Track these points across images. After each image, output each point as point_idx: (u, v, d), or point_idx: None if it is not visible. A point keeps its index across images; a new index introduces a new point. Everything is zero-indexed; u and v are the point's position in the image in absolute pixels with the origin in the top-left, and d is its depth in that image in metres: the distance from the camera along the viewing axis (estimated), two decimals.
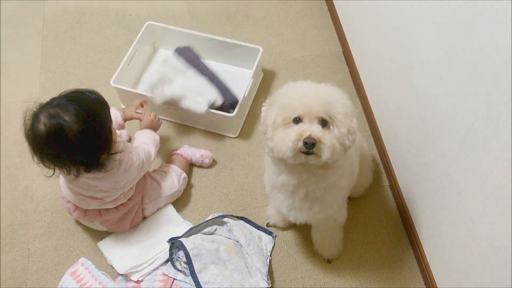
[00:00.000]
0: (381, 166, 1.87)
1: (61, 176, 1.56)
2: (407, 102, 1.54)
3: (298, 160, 1.15)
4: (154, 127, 1.78)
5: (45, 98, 2.04)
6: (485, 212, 1.16)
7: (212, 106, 1.85)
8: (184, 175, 1.78)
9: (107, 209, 1.59)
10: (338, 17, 2.21)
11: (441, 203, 1.40)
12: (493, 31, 1.02)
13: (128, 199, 1.61)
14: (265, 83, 2.11)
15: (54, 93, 1.42)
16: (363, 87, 1.98)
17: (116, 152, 1.46)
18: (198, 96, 1.83)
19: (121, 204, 1.60)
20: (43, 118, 1.29)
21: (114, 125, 1.51)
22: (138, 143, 1.66)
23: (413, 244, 1.67)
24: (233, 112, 1.83)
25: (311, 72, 2.13)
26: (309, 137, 1.09)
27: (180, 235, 1.63)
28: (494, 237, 1.13)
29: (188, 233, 1.64)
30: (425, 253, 1.59)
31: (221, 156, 1.91)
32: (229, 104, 1.89)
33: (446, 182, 1.34)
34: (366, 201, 1.78)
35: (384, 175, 1.85)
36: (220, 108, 1.87)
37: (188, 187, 1.83)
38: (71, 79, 2.15)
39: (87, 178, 1.46)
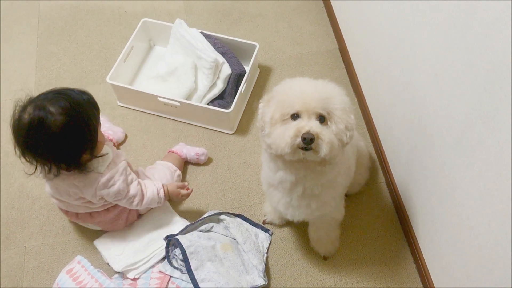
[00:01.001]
0: (377, 163, 1.87)
1: (46, 185, 1.54)
2: (403, 99, 1.55)
3: (296, 156, 1.15)
4: (171, 196, 1.62)
5: None
6: (481, 209, 1.16)
7: (220, 76, 1.94)
8: (178, 172, 1.77)
9: (98, 212, 1.58)
10: (334, 14, 2.20)
11: (437, 200, 1.40)
12: (489, 28, 1.02)
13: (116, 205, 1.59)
14: (262, 79, 2.11)
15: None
16: (359, 84, 1.98)
17: (101, 155, 1.44)
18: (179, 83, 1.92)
19: (112, 206, 1.58)
20: (29, 109, 1.30)
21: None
22: (143, 181, 1.58)
23: (409, 240, 1.67)
24: (231, 105, 1.85)
25: (308, 69, 2.13)
26: (308, 132, 1.09)
27: (176, 232, 1.63)
28: (490, 234, 1.13)
29: (184, 231, 1.64)
30: (421, 249, 1.59)
31: (217, 154, 1.90)
32: (237, 75, 1.93)
33: (442, 179, 1.34)
34: (362, 198, 1.78)
35: (380, 172, 1.85)
36: (228, 79, 1.95)
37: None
38: (67, 77, 2.14)
39: (68, 186, 1.44)
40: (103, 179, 1.44)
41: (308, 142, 1.10)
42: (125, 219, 1.65)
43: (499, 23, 0.97)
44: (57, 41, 2.27)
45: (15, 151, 1.36)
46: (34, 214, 1.79)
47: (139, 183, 1.54)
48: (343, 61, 2.14)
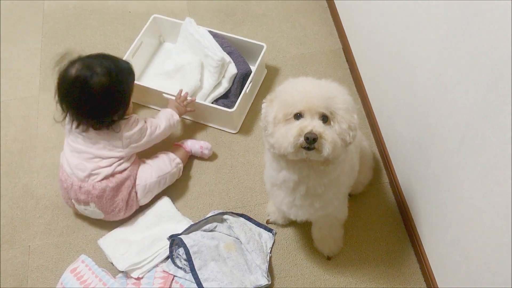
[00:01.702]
0: (381, 163, 1.87)
1: (65, 142, 1.65)
2: (407, 99, 1.54)
3: (299, 155, 1.15)
4: (178, 108, 1.82)
5: (45, 96, 2.05)
6: (484, 208, 1.15)
7: (226, 75, 1.95)
8: (178, 160, 1.78)
9: (100, 180, 1.60)
10: (338, 14, 2.20)
11: (441, 200, 1.40)
12: (493, 27, 1.01)
13: (123, 169, 1.63)
14: (268, 80, 2.11)
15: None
16: (363, 84, 1.98)
17: (128, 118, 1.61)
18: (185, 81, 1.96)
19: (112, 175, 1.61)
20: (77, 65, 1.49)
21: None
22: (153, 117, 1.74)
23: (413, 241, 1.67)
24: (234, 106, 1.85)
25: (311, 69, 2.13)
26: (311, 132, 1.09)
27: (180, 232, 1.63)
28: (494, 234, 1.13)
29: (188, 230, 1.64)
30: (425, 249, 1.59)
31: (221, 153, 1.91)
32: (242, 74, 1.94)
33: (446, 179, 1.34)
34: (366, 198, 1.78)
35: (384, 171, 1.85)
36: (234, 79, 1.95)
37: (188, 184, 1.84)
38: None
39: (95, 134, 1.59)
40: (128, 123, 1.61)
41: (311, 141, 1.10)
42: (124, 200, 1.65)
43: (503, 21, 0.97)
44: (62, 41, 2.28)
45: (55, 96, 1.53)
46: (38, 213, 1.79)
47: (150, 118, 1.73)
48: (347, 61, 2.14)
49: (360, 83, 2.00)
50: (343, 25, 2.15)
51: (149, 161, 1.74)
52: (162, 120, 1.74)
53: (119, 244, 1.66)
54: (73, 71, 1.48)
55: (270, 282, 1.59)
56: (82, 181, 1.61)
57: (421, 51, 1.39)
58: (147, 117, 1.73)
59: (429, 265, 1.57)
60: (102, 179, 1.61)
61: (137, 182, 1.68)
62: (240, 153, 1.91)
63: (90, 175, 1.60)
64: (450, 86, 1.23)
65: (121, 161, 1.63)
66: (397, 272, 1.64)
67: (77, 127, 1.56)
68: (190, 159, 1.88)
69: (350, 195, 1.70)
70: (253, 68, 1.95)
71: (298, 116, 1.14)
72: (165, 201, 1.76)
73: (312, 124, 1.11)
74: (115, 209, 1.66)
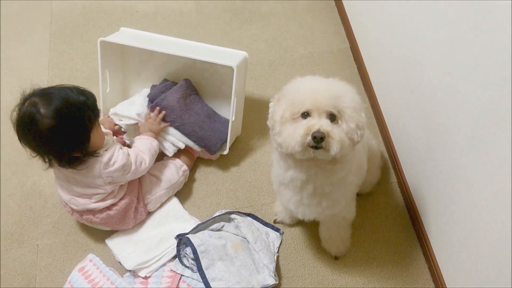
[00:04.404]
0: (389, 162, 1.86)
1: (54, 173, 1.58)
2: (415, 98, 1.54)
3: (306, 155, 1.14)
4: (153, 130, 1.70)
5: None
6: (494, 208, 1.15)
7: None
8: (184, 167, 1.78)
9: (100, 210, 1.58)
10: (345, 13, 2.20)
11: (449, 200, 1.39)
12: (502, 27, 1.01)
13: (120, 199, 1.61)
14: (256, 71, 2.10)
15: None
16: (370, 83, 1.98)
17: (95, 154, 1.47)
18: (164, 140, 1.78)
19: (112, 204, 1.59)
20: (26, 103, 1.35)
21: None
22: (134, 149, 1.62)
23: (421, 240, 1.66)
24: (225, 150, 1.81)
25: (319, 68, 2.13)
26: (318, 131, 1.09)
27: (187, 231, 1.63)
28: (503, 234, 1.12)
29: (195, 230, 1.64)
30: (433, 249, 1.58)
31: (228, 152, 1.90)
32: (216, 148, 1.81)
33: (454, 178, 1.33)
34: (373, 197, 1.78)
35: (392, 171, 1.84)
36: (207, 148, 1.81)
37: (195, 184, 1.84)
38: (79, 76, 2.16)
39: (70, 172, 1.49)
40: (104, 159, 1.48)
41: (319, 140, 1.09)
42: (131, 217, 1.66)
43: (511, 20, 0.96)
44: (70, 40, 2.29)
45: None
46: (46, 212, 1.80)
47: (133, 151, 1.60)
48: (355, 60, 2.14)
49: (368, 82, 1.99)
50: (350, 24, 2.15)
51: (156, 173, 1.72)
52: (146, 153, 1.62)
53: (127, 243, 1.66)
54: (21, 110, 1.35)
55: (277, 282, 1.59)
56: (81, 214, 1.61)
57: (429, 50, 1.38)
58: (131, 149, 1.61)
59: (437, 265, 1.56)
60: (102, 210, 1.59)
61: (146, 196, 1.68)
62: (247, 152, 1.91)
63: (86, 210, 1.59)
64: (459, 86, 1.23)
65: (114, 193, 1.58)
66: (405, 272, 1.63)
67: (43, 161, 1.44)
68: (196, 159, 1.89)
69: (358, 194, 1.70)
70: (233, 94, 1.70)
71: (305, 115, 1.14)
72: (173, 201, 1.76)
73: (320, 123, 1.11)
74: (123, 226, 1.67)
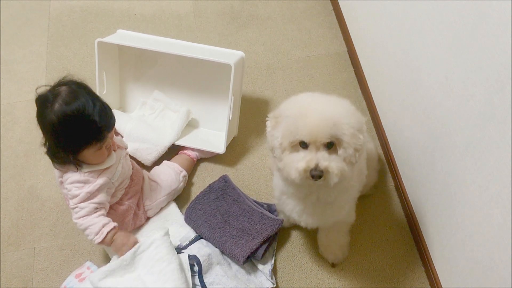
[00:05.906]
0: (386, 166, 1.86)
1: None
2: (413, 102, 1.54)
3: (307, 183, 1.19)
4: (116, 246, 1.50)
5: None
6: (491, 213, 1.15)
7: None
8: (184, 173, 1.77)
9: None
10: (343, 17, 2.20)
11: (447, 203, 1.39)
12: (500, 30, 1.01)
13: (116, 203, 1.59)
14: (253, 74, 2.11)
15: None
16: (368, 87, 1.98)
17: (77, 166, 1.43)
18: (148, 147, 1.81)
19: (110, 207, 1.57)
20: (57, 88, 1.38)
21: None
22: (93, 210, 1.46)
23: (418, 244, 1.66)
24: None
25: (316, 72, 2.13)
26: (316, 169, 1.12)
27: (183, 235, 1.63)
28: (501, 237, 1.12)
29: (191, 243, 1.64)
30: (431, 253, 1.58)
31: (226, 155, 1.90)
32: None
33: (452, 182, 1.34)
34: (371, 201, 1.78)
35: (389, 175, 1.84)
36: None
37: (193, 188, 1.83)
38: (76, 79, 2.15)
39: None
40: (73, 177, 1.43)
41: (317, 178, 1.13)
42: (131, 223, 1.65)
43: (510, 24, 0.97)
44: (67, 43, 2.29)
45: None
46: (43, 215, 1.80)
47: (98, 214, 1.46)
48: (352, 63, 2.14)
49: (365, 85, 1.99)
50: (348, 27, 2.15)
51: (157, 179, 1.71)
52: (89, 224, 1.46)
53: None
54: (51, 89, 1.39)
55: (274, 285, 1.59)
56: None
57: (427, 54, 1.38)
58: (145, 182, 1.64)
59: (434, 269, 1.56)
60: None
61: (146, 203, 1.67)
62: (244, 155, 1.91)
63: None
64: (457, 89, 1.23)
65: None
66: (402, 276, 1.64)
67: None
68: (198, 161, 1.89)
69: None
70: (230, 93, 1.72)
71: (303, 144, 1.16)
72: (171, 206, 1.75)
73: (317, 158, 1.13)
74: (122, 229, 1.65)
